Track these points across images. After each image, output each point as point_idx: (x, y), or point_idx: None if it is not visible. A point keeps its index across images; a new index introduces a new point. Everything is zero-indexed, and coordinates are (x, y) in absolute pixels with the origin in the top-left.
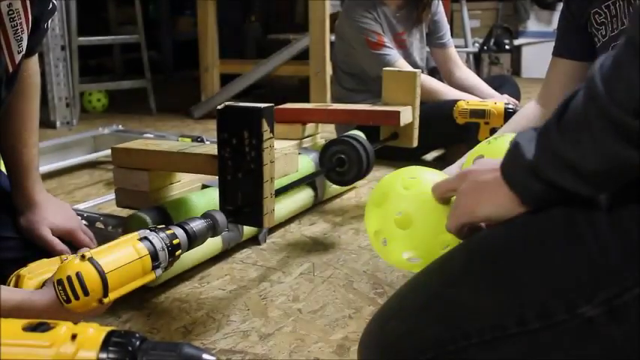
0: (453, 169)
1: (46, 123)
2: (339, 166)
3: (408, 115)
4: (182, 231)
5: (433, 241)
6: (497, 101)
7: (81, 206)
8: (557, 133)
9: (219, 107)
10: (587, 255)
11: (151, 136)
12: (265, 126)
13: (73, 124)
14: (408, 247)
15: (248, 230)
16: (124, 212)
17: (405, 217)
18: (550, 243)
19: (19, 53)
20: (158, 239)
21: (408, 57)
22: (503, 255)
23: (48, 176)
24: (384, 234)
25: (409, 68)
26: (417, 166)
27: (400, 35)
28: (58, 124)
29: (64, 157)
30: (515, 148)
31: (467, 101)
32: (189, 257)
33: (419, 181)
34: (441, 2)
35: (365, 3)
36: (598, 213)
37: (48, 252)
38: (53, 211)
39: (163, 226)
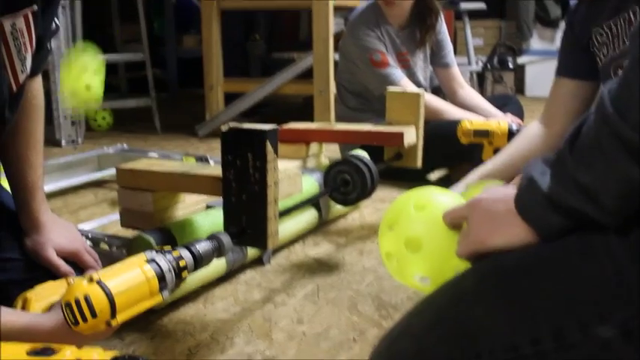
0: (458, 189)
1: (52, 141)
2: (344, 186)
3: (411, 135)
4: (188, 252)
5: (444, 265)
6: (500, 121)
7: (85, 226)
8: (571, 160)
9: (223, 129)
10: (602, 276)
11: (156, 155)
12: (269, 148)
13: (79, 142)
14: (419, 269)
15: (252, 251)
16: (129, 232)
17: (415, 241)
18: (564, 263)
19: (22, 72)
20: (165, 261)
21: (412, 76)
22: (516, 274)
23: (53, 195)
24: (396, 256)
25: (413, 87)
26: (430, 188)
27: (404, 55)
28: (63, 142)
29: (69, 176)
30: (529, 182)
31: (470, 121)
32: (194, 278)
33: (431, 204)
34: (444, 22)
35: (369, 22)
36: (612, 235)
37: (53, 273)
38: (58, 232)
39: (170, 247)
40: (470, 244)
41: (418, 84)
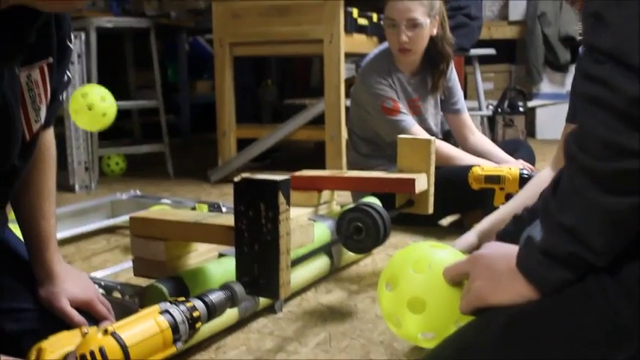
0: (469, 237)
1: (65, 186)
2: (357, 234)
3: (423, 182)
4: (202, 303)
5: (446, 322)
6: (512, 167)
7: (98, 274)
8: (554, 206)
9: (236, 179)
10: (600, 318)
11: (168, 201)
12: (281, 199)
13: (92, 187)
14: (421, 329)
15: (264, 299)
16: (141, 280)
17: (417, 302)
18: (564, 310)
19: (36, 122)
20: (179, 312)
21: (423, 122)
22: (518, 323)
23: (66, 241)
24: (398, 316)
25: (424, 134)
26: (427, 244)
27: (415, 101)
28: (76, 187)
29: (82, 222)
30: (527, 239)
31: (482, 167)
32: (205, 326)
33: (430, 262)
34: (454, 69)
35: (380, 69)
36: (605, 275)
37: (66, 323)
38: (72, 281)
39: (183, 298)
40: (472, 300)
41: (429, 130)
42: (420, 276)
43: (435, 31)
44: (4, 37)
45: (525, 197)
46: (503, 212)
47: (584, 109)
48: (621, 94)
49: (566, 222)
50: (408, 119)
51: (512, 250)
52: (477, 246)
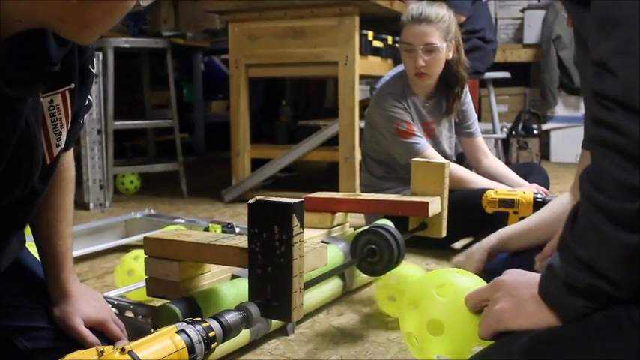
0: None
1: (80, 204)
2: (371, 256)
3: (436, 205)
4: (217, 323)
5: (465, 347)
6: (525, 190)
7: (111, 293)
8: (571, 241)
9: (250, 202)
10: (630, 347)
11: (182, 221)
12: (295, 221)
13: (106, 206)
14: (439, 351)
15: (276, 320)
16: (154, 300)
17: (437, 324)
18: (592, 338)
19: (57, 147)
20: (195, 332)
21: (437, 145)
22: (543, 350)
23: (80, 259)
24: (417, 336)
25: (438, 158)
26: (454, 270)
27: (429, 124)
28: (91, 205)
29: (96, 241)
30: (548, 269)
31: (495, 190)
32: (218, 347)
33: (452, 287)
34: (468, 92)
35: (395, 92)
36: (633, 306)
37: (79, 342)
38: (86, 301)
39: (199, 318)
40: (493, 324)
41: (443, 153)
42: (443, 299)
43: (450, 55)
44: (30, 65)
45: (540, 218)
46: (512, 230)
47: (598, 151)
48: (633, 139)
49: (583, 256)
50: (422, 142)
51: (534, 277)
52: (485, 261)
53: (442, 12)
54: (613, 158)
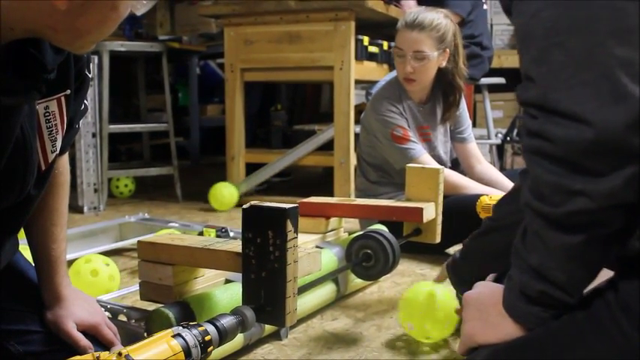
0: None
1: (74, 208)
2: (366, 261)
3: (431, 211)
4: (213, 327)
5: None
6: None
7: (104, 297)
8: (522, 248)
9: (244, 207)
10: (613, 347)
11: (176, 225)
12: (290, 226)
13: (100, 209)
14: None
15: (270, 325)
16: (147, 304)
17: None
18: (575, 338)
19: (52, 152)
20: (191, 336)
21: (432, 150)
22: (526, 351)
23: (73, 262)
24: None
25: (433, 163)
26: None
27: (425, 129)
28: (85, 209)
29: (90, 244)
30: (508, 280)
31: (490, 196)
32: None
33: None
34: (463, 98)
35: (391, 97)
36: (616, 306)
37: (72, 347)
38: (80, 305)
39: (196, 322)
40: (465, 341)
41: (439, 158)
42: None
43: (444, 64)
44: (26, 74)
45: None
46: None
47: (531, 160)
48: (556, 141)
49: (532, 262)
50: (417, 147)
51: (497, 289)
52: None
53: (438, 20)
54: (543, 164)
